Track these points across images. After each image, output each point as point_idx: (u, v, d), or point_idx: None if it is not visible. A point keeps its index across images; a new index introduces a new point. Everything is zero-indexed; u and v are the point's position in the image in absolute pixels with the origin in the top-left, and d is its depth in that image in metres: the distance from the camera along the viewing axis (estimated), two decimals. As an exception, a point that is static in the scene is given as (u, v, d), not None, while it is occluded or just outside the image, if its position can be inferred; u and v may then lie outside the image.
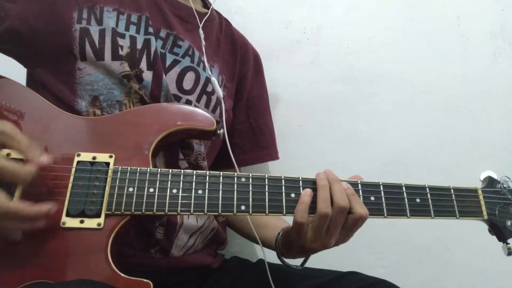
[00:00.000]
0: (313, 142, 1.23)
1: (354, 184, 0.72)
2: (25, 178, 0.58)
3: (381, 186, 0.73)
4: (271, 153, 1.08)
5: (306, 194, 0.69)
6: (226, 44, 1.01)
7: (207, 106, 0.89)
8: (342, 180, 0.71)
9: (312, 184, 0.71)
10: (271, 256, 1.18)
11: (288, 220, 0.85)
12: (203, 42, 0.89)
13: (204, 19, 0.93)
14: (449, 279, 1.23)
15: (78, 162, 0.68)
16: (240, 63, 1.02)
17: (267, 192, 0.69)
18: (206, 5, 1.02)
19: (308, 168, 1.21)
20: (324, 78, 1.25)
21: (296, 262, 0.80)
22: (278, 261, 0.99)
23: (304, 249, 0.72)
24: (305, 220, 0.67)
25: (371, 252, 1.17)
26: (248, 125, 1.04)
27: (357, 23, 1.27)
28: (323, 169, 1.20)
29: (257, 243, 0.89)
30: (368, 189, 0.72)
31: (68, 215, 0.64)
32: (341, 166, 1.22)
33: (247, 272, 0.94)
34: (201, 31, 0.90)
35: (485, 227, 0.79)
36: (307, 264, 0.95)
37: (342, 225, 0.69)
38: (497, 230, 0.76)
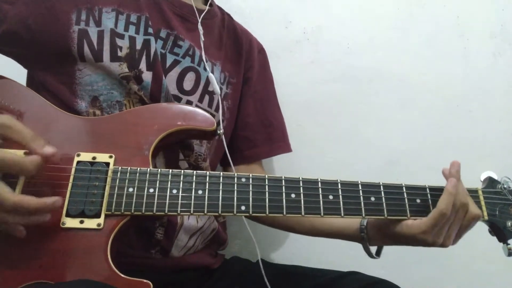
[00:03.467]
0: (313, 142, 1.23)
1: (354, 184, 0.72)
2: (30, 168, 0.57)
3: (381, 186, 0.73)
4: (282, 146, 1.07)
5: (452, 185, 0.71)
6: (229, 40, 1.00)
7: (210, 106, 0.89)
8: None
9: (313, 184, 0.71)
10: (270, 257, 1.18)
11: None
12: (202, 38, 0.89)
13: (202, 15, 0.92)
14: (449, 279, 1.23)
15: (78, 162, 0.68)
16: (245, 57, 1.01)
17: (267, 192, 0.69)
18: (207, 1, 1.02)
19: (308, 168, 1.23)
20: (324, 78, 1.24)
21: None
22: (277, 261, 0.99)
23: (419, 241, 0.74)
24: (448, 212, 0.70)
25: (371, 252, 1.17)
26: (258, 118, 1.03)
27: (357, 23, 1.27)
28: (323, 169, 1.21)
29: (324, 233, 0.90)
30: (369, 190, 0.72)
31: (68, 215, 0.64)
32: (341, 166, 1.22)
33: (247, 272, 0.94)
34: (200, 27, 0.89)
35: (485, 227, 0.80)
36: (307, 264, 0.95)
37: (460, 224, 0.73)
38: (498, 231, 0.77)
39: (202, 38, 0.89)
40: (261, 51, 1.09)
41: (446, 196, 0.70)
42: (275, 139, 1.05)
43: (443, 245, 0.74)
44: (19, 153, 0.61)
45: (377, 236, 0.80)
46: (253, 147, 1.02)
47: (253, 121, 1.02)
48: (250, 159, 1.03)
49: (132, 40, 0.81)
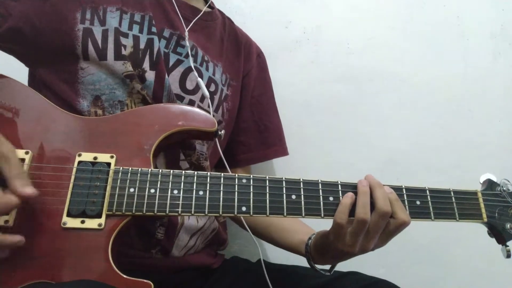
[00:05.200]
0: (313, 142, 1.23)
1: (354, 186, 0.72)
2: (1, 210, 0.57)
3: (381, 187, 0.73)
4: (278, 150, 1.07)
5: (347, 196, 0.70)
6: (229, 43, 1.01)
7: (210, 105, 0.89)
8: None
9: (314, 185, 0.71)
10: (270, 257, 1.18)
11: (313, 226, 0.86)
12: (187, 34, 0.88)
13: (197, 17, 0.92)
14: (449, 279, 1.24)
15: (79, 162, 0.68)
16: (244, 61, 1.02)
17: (267, 194, 0.69)
18: (210, 4, 1.02)
19: (308, 168, 1.23)
20: (324, 78, 1.25)
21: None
22: (277, 261, 0.99)
23: (341, 252, 0.72)
24: (344, 222, 0.68)
25: (371, 252, 1.17)
26: (253, 123, 1.04)
27: (357, 23, 1.27)
28: (323, 169, 1.22)
29: (281, 247, 0.92)
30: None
31: (69, 215, 0.64)
32: (341, 166, 1.22)
33: (247, 272, 0.94)
34: (186, 33, 0.88)
35: (485, 228, 0.80)
36: (307, 264, 0.95)
37: (383, 230, 0.70)
38: (497, 233, 0.76)
39: (187, 34, 0.88)
40: (260, 55, 1.09)
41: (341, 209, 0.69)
42: (270, 144, 1.06)
43: (361, 252, 0.72)
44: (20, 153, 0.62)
45: (317, 255, 0.80)
46: (248, 151, 1.03)
47: (249, 126, 1.03)
48: (243, 163, 1.04)
49: (136, 39, 0.81)
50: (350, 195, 0.70)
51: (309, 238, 0.82)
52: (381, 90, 1.26)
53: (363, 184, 0.71)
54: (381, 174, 0.74)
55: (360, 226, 0.68)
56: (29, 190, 0.58)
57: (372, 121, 1.25)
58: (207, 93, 0.86)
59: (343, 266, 0.89)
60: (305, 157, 1.22)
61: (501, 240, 0.76)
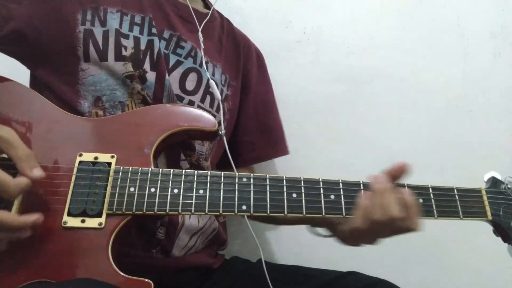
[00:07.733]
0: (313, 142, 1.23)
1: (355, 184, 0.72)
2: (13, 193, 0.56)
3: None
4: (282, 148, 1.08)
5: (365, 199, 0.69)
6: (228, 43, 1.01)
7: (211, 106, 0.89)
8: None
9: (314, 184, 0.71)
10: (270, 257, 1.18)
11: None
12: (202, 46, 0.89)
13: (205, 20, 0.93)
14: (449, 279, 1.24)
15: (80, 162, 0.68)
16: (244, 61, 1.02)
17: (268, 192, 0.69)
18: (208, 5, 1.02)
19: (308, 168, 1.23)
20: (324, 78, 1.25)
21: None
22: (277, 262, 0.99)
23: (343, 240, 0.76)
24: (366, 226, 0.68)
25: (371, 252, 1.17)
26: (257, 122, 1.04)
27: (357, 23, 1.27)
28: (323, 169, 1.22)
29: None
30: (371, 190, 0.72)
31: (69, 214, 0.64)
32: (341, 166, 1.22)
33: (247, 273, 0.94)
34: (200, 35, 0.89)
35: (486, 227, 0.79)
36: (307, 264, 0.96)
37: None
38: (502, 231, 0.75)
39: (202, 46, 0.89)
40: (260, 55, 1.10)
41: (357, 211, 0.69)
42: (275, 142, 1.06)
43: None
44: None
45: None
46: (253, 150, 1.03)
47: (253, 125, 1.03)
48: (249, 162, 1.04)
49: (136, 40, 0.82)
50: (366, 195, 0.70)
51: None
52: (381, 90, 1.26)
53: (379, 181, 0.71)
54: (381, 174, 0.74)
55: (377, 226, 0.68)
56: (37, 172, 0.59)
57: (372, 121, 1.25)
58: (219, 96, 0.86)
59: (343, 266, 0.89)
60: (305, 157, 1.22)
61: (507, 239, 0.75)
